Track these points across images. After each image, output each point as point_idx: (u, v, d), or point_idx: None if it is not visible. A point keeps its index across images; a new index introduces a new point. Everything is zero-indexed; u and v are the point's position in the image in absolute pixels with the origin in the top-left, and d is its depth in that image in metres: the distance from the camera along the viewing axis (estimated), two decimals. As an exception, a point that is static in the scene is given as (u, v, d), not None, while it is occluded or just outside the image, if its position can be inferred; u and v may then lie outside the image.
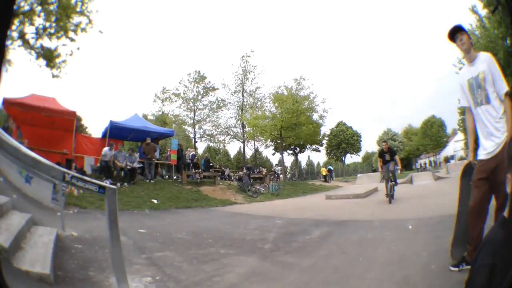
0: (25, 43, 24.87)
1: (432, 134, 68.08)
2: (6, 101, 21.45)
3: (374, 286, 5.51)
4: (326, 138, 55.19)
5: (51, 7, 24.54)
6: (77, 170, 20.05)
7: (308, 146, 49.20)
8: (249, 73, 47.53)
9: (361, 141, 62.04)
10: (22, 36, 24.50)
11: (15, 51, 25.31)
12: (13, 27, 24.01)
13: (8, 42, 23.93)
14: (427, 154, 74.42)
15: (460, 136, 65.35)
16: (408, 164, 67.91)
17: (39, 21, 24.86)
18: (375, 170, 46.97)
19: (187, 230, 11.20)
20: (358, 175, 46.97)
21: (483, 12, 25.48)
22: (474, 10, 25.83)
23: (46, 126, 23.23)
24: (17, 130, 21.40)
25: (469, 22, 26.29)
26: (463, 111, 7.02)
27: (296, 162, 56.17)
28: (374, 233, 9.92)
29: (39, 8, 24.44)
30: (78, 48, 25.89)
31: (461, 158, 58.17)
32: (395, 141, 69.41)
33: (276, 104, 42.83)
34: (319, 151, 53.78)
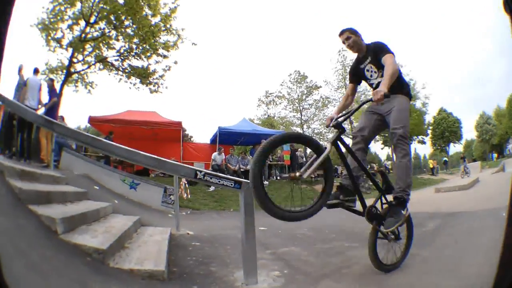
0: (107, 66, 25.44)
1: None
2: (93, 119, 22.06)
3: (485, 271, 4.87)
4: (430, 128, 52.75)
5: (129, 30, 24.88)
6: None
7: (414, 137, 47.32)
8: (348, 67, 45.60)
9: (461, 127, 58.16)
10: (101, 60, 24.98)
11: (96, 74, 26.48)
12: (85, 52, 24.84)
13: (84, 67, 25.11)
14: None
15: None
16: (501, 151, 62.49)
17: (119, 44, 25.43)
18: (475, 160, 44.67)
19: (308, 227, 10.53)
20: (461, 166, 45.09)
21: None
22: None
23: (149, 138, 23.70)
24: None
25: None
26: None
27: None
28: (480, 222, 9.44)
29: (114, 32, 24.92)
30: (175, 62, 25.99)
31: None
32: (490, 125, 64.59)
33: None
34: (425, 142, 51.33)
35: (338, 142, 4.75)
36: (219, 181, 5.15)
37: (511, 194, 2.47)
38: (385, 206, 5.18)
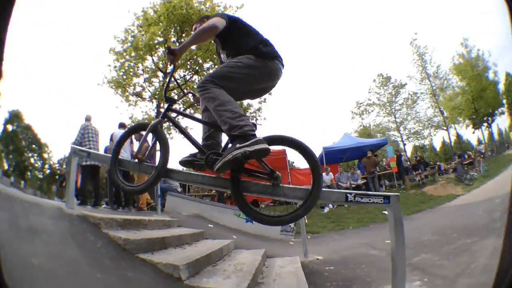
0: (198, 109, 25.21)
1: None
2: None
3: None
4: (504, 97, 49.85)
5: (211, 71, 24.71)
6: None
7: (496, 112, 45.01)
8: (424, 55, 44.17)
9: None
10: (190, 105, 24.29)
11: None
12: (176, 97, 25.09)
13: (173, 115, 25.45)
14: None
15: None
16: None
17: None
18: None
19: (430, 232, 10.52)
20: None
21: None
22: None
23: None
24: None
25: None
26: None
27: (491, 136, 51.73)
28: None
29: (196, 77, 25.27)
30: (269, 93, 25.39)
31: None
32: None
33: (459, 77, 39.43)
34: (504, 113, 48.78)
35: (169, 114, 4.90)
36: (369, 200, 4.73)
37: (511, 194, 2.61)
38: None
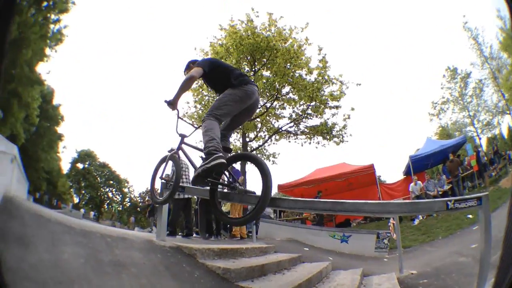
0: (283, 134, 25.92)
1: None
2: (281, 187, 22.70)
3: None
4: None
5: (290, 95, 25.31)
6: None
7: None
8: (477, 38, 42.64)
9: None
10: (275, 132, 25.58)
11: (275, 145, 27.24)
12: (255, 130, 26.07)
13: (259, 144, 26.25)
14: None
15: None
16: None
17: (287, 111, 25.78)
18: None
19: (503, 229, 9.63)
20: None
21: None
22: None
23: (344, 189, 22.87)
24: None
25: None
26: None
27: None
28: None
29: (276, 103, 25.51)
30: (352, 109, 25.24)
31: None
32: None
33: (506, 53, 37.01)
34: None
35: (182, 147, 5.93)
36: (466, 204, 4.69)
37: (511, 196, 2.78)
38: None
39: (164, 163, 6.09)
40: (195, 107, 25.16)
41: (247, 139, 24.85)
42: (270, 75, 24.42)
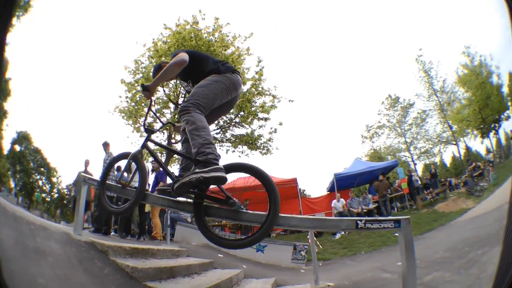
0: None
1: None
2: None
3: None
4: (509, 99, 49.72)
5: None
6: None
7: (502, 116, 44.91)
8: (430, 71, 44.51)
9: None
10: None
11: None
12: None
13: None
14: None
15: None
16: None
17: None
18: None
19: (441, 249, 10.83)
20: None
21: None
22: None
23: (266, 200, 22.88)
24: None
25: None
26: None
27: (498, 143, 51.48)
28: None
29: None
30: (280, 124, 25.79)
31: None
32: None
33: (464, 88, 39.98)
34: (510, 116, 48.64)
35: (148, 144, 5.39)
36: (380, 225, 4.92)
37: (511, 197, 2.76)
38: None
39: (124, 163, 5.39)
40: (127, 102, 24.83)
41: (173, 141, 24.66)
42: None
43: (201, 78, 5.07)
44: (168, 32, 24.84)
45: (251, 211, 4.87)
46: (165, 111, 25.25)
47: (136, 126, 24.19)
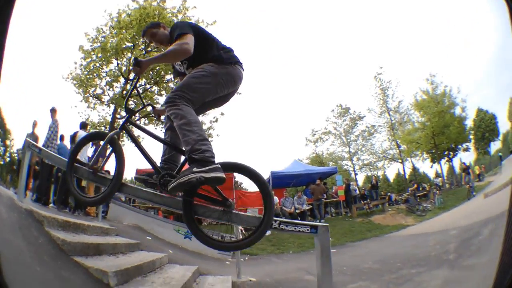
0: (152, 120, 25.70)
1: None
2: (140, 172, 21.98)
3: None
4: (471, 132, 51.28)
5: (171, 84, 25.49)
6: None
7: (459, 146, 46.26)
8: (387, 90, 45.06)
9: (497, 122, 55.87)
10: (145, 115, 25.16)
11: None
12: (131, 106, 25.27)
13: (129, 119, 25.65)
14: None
15: None
16: None
17: (163, 98, 25.89)
18: None
19: (372, 260, 10.98)
20: (502, 163, 43.68)
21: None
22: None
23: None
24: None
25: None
26: None
27: (451, 169, 53.04)
28: None
29: (155, 88, 25.93)
30: (222, 114, 26.39)
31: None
32: None
33: (421, 112, 41.14)
34: (469, 149, 49.84)
35: (130, 126, 4.93)
36: (295, 228, 4.98)
37: (511, 196, 2.68)
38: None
39: (98, 145, 5.08)
40: (81, 69, 24.48)
41: (118, 116, 24.50)
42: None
43: (199, 63, 4.73)
44: (135, 5, 24.57)
45: (244, 213, 4.92)
46: (115, 84, 25.04)
47: (86, 95, 24.04)
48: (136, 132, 5.43)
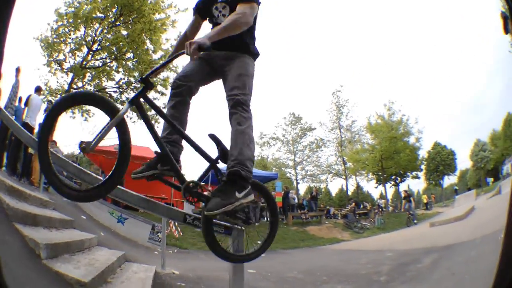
0: (106, 96, 25.48)
1: (511, 133, 59.98)
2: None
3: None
4: (424, 162, 52.58)
5: (129, 63, 25.95)
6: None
7: (408, 173, 47.26)
8: (343, 108, 45.81)
9: (455, 159, 58.02)
10: (99, 90, 25.66)
11: None
12: (85, 80, 25.91)
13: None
14: (509, 158, 65.06)
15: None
16: (496, 174, 61.08)
17: (119, 76, 26.50)
18: (469, 188, 44.95)
19: (298, 269, 11.11)
20: (456, 197, 44.94)
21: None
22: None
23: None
24: (102, 175, 21.73)
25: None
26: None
27: (397, 193, 54.17)
28: (477, 250, 9.87)
29: (114, 63, 26.05)
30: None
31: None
32: (485, 151, 63.43)
33: (372, 135, 42.21)
34: (419, 177, 51.13)
35: (142, 100, 3.97)
36: None
37: (511, 197, 2.51)
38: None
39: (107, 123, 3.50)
40: (51, 32, 24.57)
41: (74, 86, 24.70)
42: (124, 35, 24.95)
43: (236, 49, 4.30)
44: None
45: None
46: (78, 53, 25.05)
47: (49, 60, 24.05)
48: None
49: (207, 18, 4.64)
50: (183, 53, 3.77)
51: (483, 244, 9.89)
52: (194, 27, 4.71)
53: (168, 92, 26.00)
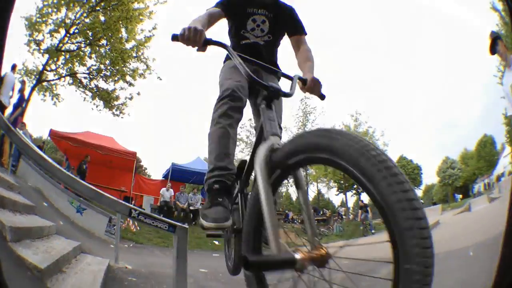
0: (76, 81, 26.28)
1: (486, 154, 59.19)
2: (54, 133, 22.15)
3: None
4: None
5: (102, 49, 25.97)
6: (134, 208, 20.44)
7: None
8: (309, 115, 46.06)
9: (421, 174, 59.55)
10: (71, 74, 25.87)
11: (64, 88, 26.67)
12: (58, 63, 25.78)
13: (55, 77, 25.97)
14: (482, 177, 66.79)
15: (508, 150, 60.02)
16: (466, 192, 62.54)
17: (91, 62, 26.45)
18: (435, 203, 45.82)
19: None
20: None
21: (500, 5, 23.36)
22: (494, 7, 23.99)
23: (103, 163, 23.49)
24: (66, 162, 21.83)
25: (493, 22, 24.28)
26: (509, 121, 6.46)
27: (358, 202, 54.65)
28: (440, 264, 10.03)
29: (88, 49, 26.01)
30: (138, 94, 27.09)
31: (510, 173, 52.58)
32: (454, 169, 64.91)
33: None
34: None
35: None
36: (152, 222, 5.25)
37: (510, 197, 2.68)
38: None
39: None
40: (36, 11, 24.42)
41: (48, 68, 24.95)
42: (101, 21, 25.08)
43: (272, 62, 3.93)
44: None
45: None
46: (56, 35, 25.05)
47: (30, 39, 24.11)
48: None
49: (234, 22, 4.03)
50: (297, 77, 3.44)
51: (449, 259, 10.16)
52: (213, 20, 3.76)
53: (136, 83, 26.46)
